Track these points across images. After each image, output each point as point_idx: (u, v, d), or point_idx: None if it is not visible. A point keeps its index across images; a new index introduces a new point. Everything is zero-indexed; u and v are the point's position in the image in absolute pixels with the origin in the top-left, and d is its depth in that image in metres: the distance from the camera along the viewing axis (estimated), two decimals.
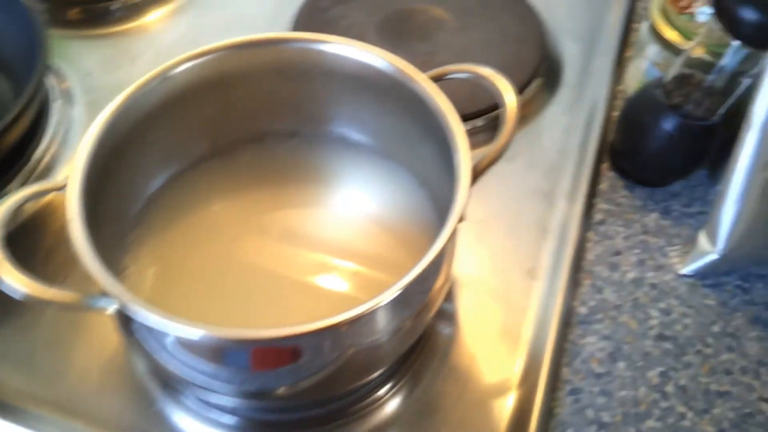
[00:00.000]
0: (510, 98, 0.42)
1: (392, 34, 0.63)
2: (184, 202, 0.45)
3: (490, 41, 0.62)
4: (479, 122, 0.58)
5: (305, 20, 0.64)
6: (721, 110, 0.49)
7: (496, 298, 0.49)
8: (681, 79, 0.50)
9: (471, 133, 0.57)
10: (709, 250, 0.48)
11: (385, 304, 0.33)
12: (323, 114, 0.49)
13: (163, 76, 0.40)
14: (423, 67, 0.58)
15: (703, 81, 0.49)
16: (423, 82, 0.43)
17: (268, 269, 0.43)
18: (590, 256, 0.52)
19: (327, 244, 0.46)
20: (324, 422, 0.43)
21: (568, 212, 0.53)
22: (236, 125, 0.47)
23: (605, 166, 0.57)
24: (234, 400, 0.42)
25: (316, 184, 0.49)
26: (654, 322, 0.48)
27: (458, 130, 0.40)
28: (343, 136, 0.50)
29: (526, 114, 0.60)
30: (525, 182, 0.55)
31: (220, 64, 0.43)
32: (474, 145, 0.54)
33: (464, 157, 0.39)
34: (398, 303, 0.35)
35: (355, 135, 0.50)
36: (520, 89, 0.59)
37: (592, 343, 0.47)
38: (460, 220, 0.38)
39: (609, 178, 0.56)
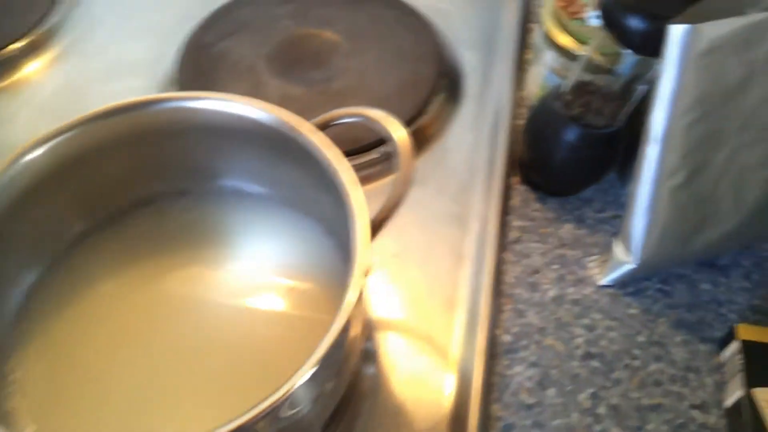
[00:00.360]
0: (403, 142, 0.40)
1: (284, 64, 0.60)
2: (69, 287, 0.42)
3: (386, 60, 0.60)
4: (388, 147, 0.56)
5: (190, 60, 0.60)
6: (622, 116, 0.48)
7: (418, 334, 0.47)
8: (578, 88, 0.48)
9: (378, 162, 0.55)
10: (625, 260, 0.48)
11: (296, 387, 0.31)
12: (213, 169, 0.46)
13: (15, 165, 0.36)
14: (322, 95, 0.56)
15: (601, 88, 0.48)
16: (308, 132, 0.40)
17: (167, 356, 0.40)
18: (509, 278, 0.50)
19: (232, 312, 0.43)
20: None
21: (482, 235, 0.52)
22: (117, 193, 0.44)
23: (516, 179, 0.56)
24: None
25: (215, 243, 0.46)
26: (579, 340, 0.47)
27: (351, 188, 0.37)
28: (238, 189, 0.47)
29: (432, 134, 0.58)
30: (436, 207, 0.54)
31: (84, 138, 0.39)
32: (383, 173, 0.52)
33: (360, 217, 0.36)
34: (310, 379, 0.32)
35: (251, 186, 0.47)
36: (421, 108, 0.57)
37: (519, 373, 0.46)
38: (367, 274, 0.36)
39: (520, 192, 0.55)
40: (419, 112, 0.57)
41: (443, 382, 0.45)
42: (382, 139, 0.55)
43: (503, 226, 0.53)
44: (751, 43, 0.39)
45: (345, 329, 0.33)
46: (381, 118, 0.41)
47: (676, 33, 0.38)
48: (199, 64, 0.59)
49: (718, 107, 0.41)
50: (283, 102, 0.56)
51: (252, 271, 0.45)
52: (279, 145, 0.42)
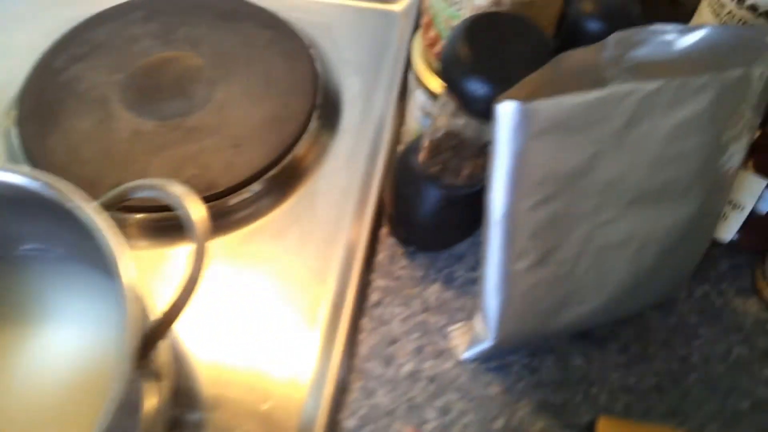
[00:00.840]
0: (200, 225, 0.34)
1: (139, 93, 0.54)
2: None
3: (253, 89, 0.54)
4: (256, 186, 0.51)
5: (34, 88, 0.54)
6: (483, 176, 0.43)
7: (256, 416, 0.43)
8: (436, 146, 0.43)
9: (250, 201, 0.50)
10: (483, 336, 0.43)
11: None
12: (13, 234, 0.41)
13: None
14: (174, 132, 0.51)
15: (461, 144, 0.42)
16: (87, 210, 0.35)
17: None
18: (363, 349, 0.45)
19: (38, 377, 0.39)
20: None
21: (339, 299, 0.47)
22: None
23: (385, 231, 0.50)
24: None
25: (20, 306, 0.41)
26: (430, 426, 0.42)
27: (127, 286, 0.32)
28: (41, 252, 0.42)
29: (300, 175, 0.53)
30: (295, 263, 0.48)
31: None
32: (254, 216, 0.48)
33: (130, 320, 0.31)
34: None
35: (55, 250, 0.42)
36: (289, 147, 0.52)
37: None
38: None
39: (388, 245, 0.50)
40: (286, 151, 0.51)
41: None
42: (254, 175, 0.50)
43: (364, 287, 0.48)
44: (596, 120, 0.34)
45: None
46: (181, 195, 0.35)
47: (506, 111, 0.33)
48: (43, 92, 0.53)
49: (565, 188, 0.36)
50: (132, 139, 0.51)
51: (57, 334, 0.40)
52: (62, 216, 0.36)
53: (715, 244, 0.50)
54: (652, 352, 0.46)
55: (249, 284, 0.47)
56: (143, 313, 0.33)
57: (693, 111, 0.36)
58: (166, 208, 0.47)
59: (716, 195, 0.42)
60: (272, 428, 0.42)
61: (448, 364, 0.45)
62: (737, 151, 0.40)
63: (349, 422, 0.43)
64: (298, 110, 0.53)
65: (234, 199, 0.50)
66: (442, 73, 0.37)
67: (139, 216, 0.49)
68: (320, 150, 0.54)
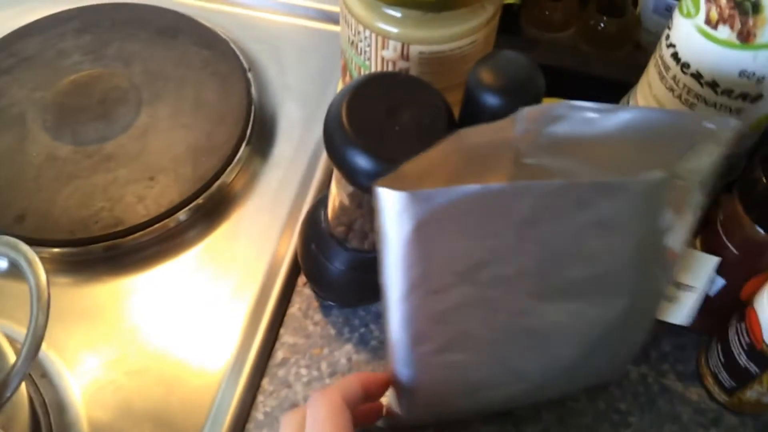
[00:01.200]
0: (42, 292, 0.31)
1: (61, 113, 0.51)
2: None
3: (181, 114, 0.51)
4: (171, 222, 0.47)
5: None
6: None
7: None
8: (342, 207, 0.39)
9: (167, 236, 0.47)
10: (396, 410, 0.39)
11: None
12: None
13: None
14: (90, 159, 0.49)
15: (362, 211, 0.39)
16: None
17: None
18: (258, 414, 0.42)
19: None
20: None
21: (241, 355, 0.43)
22: None
23: (302, 280, 0.47)
24: None
25: None
26: None
27: None
28: None
29: (226, 206, 0.49)
30: (205, 308, 0.45)
31: None
32: (169, 250, 0.47)
33: None
34: None
35: None
36: (212, 179, 0.48)
37: None
38: None
39: (305, 297, 0.46)
40: (205, 187, 0.48)
41: None
42: (164, 213, 0.47)
43: (272, 343, 0.45)
44: (491, 214, 0.30)
45: None
46: (30, 260, 0.32)
47: (387, 197, 0.29)
48: None
49: (464, 278, 0.31)
50: (45, 164, 0.48)
51: None
52: None
53: (660, 322, 0.46)
54: None
55: (154, 325, 0.44)
56: None
57: (606, 213, 0.32)
58: (87, 241, 0.45)
59: (656, 279, 0.38)
60: None
61: None
62: (679, 232, 0.36)
63: None
64: (226, 140, 0.50)
65: (147, 236, 0.47)
66: (325, 142, 0.33)
67: (56, 250, 0.46)
68: (249, 181, 0.50)
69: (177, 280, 0.46)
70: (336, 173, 0.37)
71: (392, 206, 0.29)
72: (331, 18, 0.59)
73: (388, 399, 0.40)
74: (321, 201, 0.41)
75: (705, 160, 0.33)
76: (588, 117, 0.33)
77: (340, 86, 0.45)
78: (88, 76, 0.52)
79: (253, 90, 0.53)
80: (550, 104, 0.32)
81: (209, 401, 0.42)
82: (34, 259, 0.32)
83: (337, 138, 0.32)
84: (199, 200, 0.48)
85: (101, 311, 0.45)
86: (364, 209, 0.39)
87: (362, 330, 0.45)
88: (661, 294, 0.39)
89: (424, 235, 0.30)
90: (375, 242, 0.39)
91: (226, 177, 0.49)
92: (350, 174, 0.33)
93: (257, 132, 0.52)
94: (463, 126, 0.33)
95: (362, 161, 0.32)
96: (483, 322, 0.34)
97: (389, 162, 0.32)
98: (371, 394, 0.35)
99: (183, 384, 0.42)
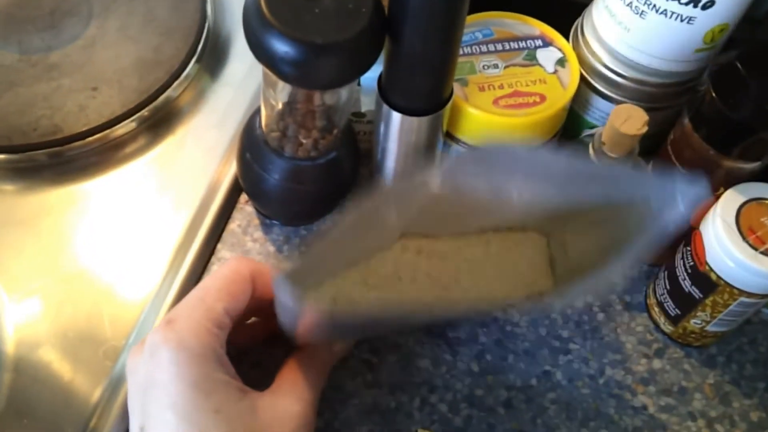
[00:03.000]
0: None
1: (8, 23, 0.49)
2: None
3: (131, 28, 0.50)
4: (124, 127, 0.46)
5: None
6: (328, 148, 0.38)
7: (64, 377, 0.39)
8: (280, 113, 0.38)
9: (110, 146, 0.46)
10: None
11: None
12: None
13: None
14: (34, 67, 0.48)
15: (294, 115, 0.37)
16: None
17: None
18: None
19: None
20: None
21: (175, 265, 0.42)
22: None
23: (245, 197, 0.46)
24: None
25: None
26: None
27: None
28: None
29: (171, 122, 0.48)
30: (139, 222, 0.44)
31: None
32: (112, 161, 0.46)
33: None
34: None
35: None
36: (157, 93, 0.47)
37: None
38: None
39: (246, 214, 0.45)
40: (149, 100, 0.47)
41: None
42: (104, 124, 0.45)
43: (208, 256, 0.43)
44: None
45: None
46: None
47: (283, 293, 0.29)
48: None
49: None
50: None
51: None
52: None
53: None
54: (510, 363, 0.41)
55: (91, 234, 0.43)
56: None
57: None
58: (26, 147, 0.44)
59: None
60: (76, 394, 0.38)
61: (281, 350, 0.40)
62: None
63: None
64: (174, 54, 0.48)
65: (88, 145, 0.45)
66: (243, 23, 0.32)
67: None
68: (197, 98, 0.49)
69: (119, 190, 0.45)
70: (264, 73, 0.36)
71: (287, 299, 0.29)
72: None
73: None
74: (257, 111, 0.40)
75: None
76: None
77: None
78: None
79: (209, 8, 0.51)
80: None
81: (138, 312, 0.41)
82: None
83: (254, 22, 0.31)
84: (144, 112, 0.46)
85: (42, 218, 0.44)
86: (297, 114, 0.38)
87: (303, 248, 0.44)
88: None
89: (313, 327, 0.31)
90: (310, 150, 0.38)
91: (173, 91, 0.48)
92: (269, 61, 0.31)
93: (209, 50, 0.51)
94: (392, 18, 0.32)
95: (280, 45, 0.30)
96: None
97: (307, 45, 0.31)
98: (260, 287, 0.33)
99: (114, 293, 0.41)
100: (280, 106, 0.37)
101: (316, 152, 0.38)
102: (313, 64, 0.31)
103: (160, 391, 0.28)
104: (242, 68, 0.51)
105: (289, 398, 0.32)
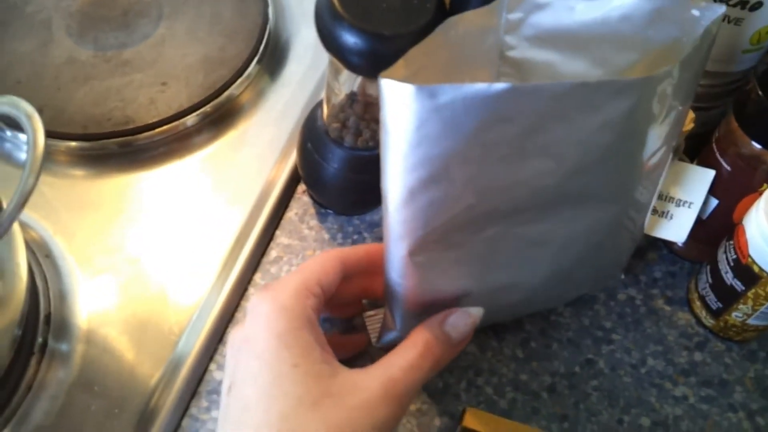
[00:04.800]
0: (39, 145, 0.33)
1: (84, 22, 0.53)
2: None
3: (198, 29, 0.53)
4: (190, 121, 0.49)
5: None
6: None
7: (130, 350, 0.41)
8: (338, 105, 0.40)
9: (173, 139, 0.49)
10: (392, 327, 0.39)
11: None
12: None
13: None
14: (108, 63, 0.51)
15: (356, 107, 0.40)
16: None
17: None
18: (248, 303, 0.43)
19: None
20: None
21: (236, 249, 0.45)
22: None
23: (302, 188, 0.48)
24: None
25: None
26: None
27: None
28: None
29: (232, 118, 0.51)
30: (207, 206, 0.47)
31: None
32: (175, 153, 0.49)
33: None
34: None
35: None
36: (221, 89, 0.50)
37: (215, 421, 0.39)
38: None
39: (303, 203, 0.48)
40: (213, 96, 0.50)
41: (135, 408, 0.39)
42: (173, 116, 0.48)
43: (267, 242, 0.46)
44: (494, 118, 0.28)
45: None
46: (29, 115, 0.34)
47: (390, 89, 0.27)
48: None
49: (459, 188, 0.30)
50: (65, 65, 0.51)
51: None
52: None
53: (654, 248, 0.46)
54: (555, 350, 0.42)
55: (157, 219, 0.46)
56: None
57: (611, 115, 0.29)
58: (100, 136, 0.47)
59: (642, 190, 0.38)
60: (141, 366, 0.41)
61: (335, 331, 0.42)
62: (661, 142, 0.35)
63: (216, 374, 0.41)
64: (237, 54, 0.51)
65: (156, 136, 0.48)
66: (315, 18, 0.34)
67: (72, 144, 0.48)
68: (257, 96, 0.52)
69: (182, 180, 0.48)
70: (330, 65, 0.38)
71: (397, 99, 0.27)
72: None
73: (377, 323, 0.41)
74: (320, 102, 0.42)
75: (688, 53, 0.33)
76: (571, 5, 0.33)
77: None
78: None
79: (270, 11, 0.54)
80: None
81: (202, 291, 0.43)
82: (33, 115, 0.33)
83: (326, 14, 0.33)
84: (207, 108, 0.49)
85: (108, 204, 0.47)
86: (358, 106, 0.40)
87: (355, 237, 0.46)
88: (646, 203, 0.39)
89: (428, 134, 0.28)
90: (368, 140, 0.40)
91: (235, 89, 0.51)
92: (339, 51, 0.34)
93: (270, 52, 0.53)
94: (454, 12, 0.34)
95: (349, 36, 0.33)
96: (480, 232, 0.33)
97: (374, 36, 0.33)
98: (349, 268, 0.35)
99: (178, 276, 0.44)
100: (342, 97, 0.40)
101: (374, 143, 0.41)
102: (379, 54, 0.34)
103: (251, 344, 0.31)
104: (300, 69, 0.53)
105: (373, 377, 0.31)
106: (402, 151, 0.29)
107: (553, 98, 0.28)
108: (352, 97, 0.40)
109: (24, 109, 0.34)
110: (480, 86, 0.27)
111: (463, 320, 0.34)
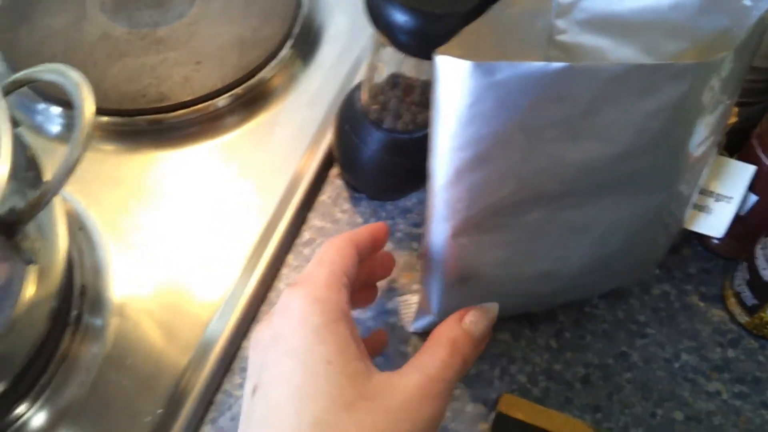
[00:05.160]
0: (88, 113, 0.33)
1: (127, 2, 0.53)
2: None
3: (231, 10, 0.52)
4: (212, 105, 0.49)
5: None
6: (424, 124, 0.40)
7: (162, 326, 0.41)
8: (378, 87, 0.40)
9: (206, 118, 0.49)
10: (428, 311, 0.39)
11: None
12: None
13: None
14: (142, 40, 0.51)
15: (396, 89, 0.39)
16: None
17: None
18: (281, 285, 0.43)
19: None
20: None
21: (269, 230, 0.44)
22: None
23: (335, 171, 0.48)
24: None
25: None
26: None
27: None
28: None
29: (265, 100, 0.51)
30: (240, 184, 0.47)
31: None
32: (208, 133, 0.49)
33: None
34: None
35: None
36: (254, 70, 0.50)
37: None
38: None
39: (335, 187, 0.47)
40: (247, 76, 0.49)
41: (165, 387, 0.39)
42: (208, 95, 0.48)
43: (299, 223, 0.46)
44: (550, 97, 0.28)
45: None
46: (78, 83, 0.33)
47: (447, 67, 0.27)
48: None
49: (508, 170, 0.30)
50: (99, 42, 0.50)
51: None
52: None
53: (689, 245, 0.45)
54: (588, 342, 0.42)
55: (188, 198, 0.46)
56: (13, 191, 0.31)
57: (665, 100, 0.29)
58: (133, 112, 0.47)
59: (685, 182, 0.37)
60: (173, 343, 0.40)
61: (366, 314, 0.42)
62: (707, 133, 0.35)
63: (248, 353, 0.40)
64: (271, 36, 0.51)
65: (189, 115, 0.48)
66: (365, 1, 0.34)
67: (105, 119, 0.48)
68: (289, 80, 0.52)
69: (212, 160, 0.48)
70: (374, 45, 0.38)
71: (452, 76, 0.27)
72: None
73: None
74: (359, 85, 0.42)
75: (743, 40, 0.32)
76: None
77: None
78: None
79: None
80: None
81: (235, 271, 0.43)
82: (82, 84, 0.33)
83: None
84: (239, 90, 0.49)
85: (139, 180, 0.46)
86: (399, 88, 0.40)
87: (388, 222, 0.46)
88: (688, 196, 0.39)
89: (480, 112, 0.28)
90: (409, 123, 0.40)
91: (268, 72, 0.51)
92: (388, 29, 0.34)
93: (303, 35, 0.53)
94: None
95: (400, 14, 0.33)
96: (527, 215, 0.33)
97: (425, 14, 0.33)
98: (361, 252, 0.34)
99: (210, 254, 0.43)
100: (383, 79, 0.39)
101: (413, 126, 0.41)
102: (430, 33, 0.33)
103: (282, 340, 0.29)
104: (333, 54, 0.53)
105: (408, 377, 0.30)
106: (452, 130, 0.29)
107: (609, 80, 0.28)
108: (394, 79, 0.39)
109: (72, 77, 0.33)
110: (537, 64, 0.27)
111: (481, 316, 0.33)
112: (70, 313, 0.39)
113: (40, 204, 0.32)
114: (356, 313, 0.42)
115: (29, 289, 0.35)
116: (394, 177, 0.44)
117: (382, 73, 0.39)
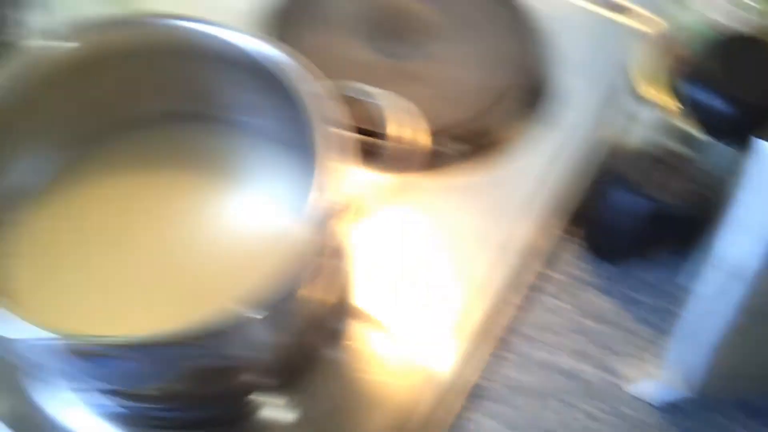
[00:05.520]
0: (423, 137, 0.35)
1: (371, 29, 0.56)
2: (76, 184, 0.42)
3: (469, 54, 0.55)
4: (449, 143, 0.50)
5: (285, 14, 0.57)
6: (684, 197, 0.41)
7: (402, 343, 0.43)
8: (661, 160, 0.41)
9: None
10: (674, 385, 0.39)
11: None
12: (225, 99, 0.43)
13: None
14: (391, 71, 0.53)
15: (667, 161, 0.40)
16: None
17: (150, 257, 0.40)
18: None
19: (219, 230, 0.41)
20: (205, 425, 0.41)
21: (516, 268, 0.46)
22: (127, 105, 0.43)
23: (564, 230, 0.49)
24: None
25: (215, 172, 0.43)
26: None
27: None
28: (248, 124, 0.44)
29: (493, 148, 0.52)
30: (471, 225, 0.48)
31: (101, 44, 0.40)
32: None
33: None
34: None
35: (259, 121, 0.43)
36: (485, 118, 0.52)
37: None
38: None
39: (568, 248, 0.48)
40: (481, 124, 0.52)
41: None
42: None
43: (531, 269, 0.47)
44: None
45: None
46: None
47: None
48: (294, 7, 0.57)
49: None
50: (353, 66, 0.53)
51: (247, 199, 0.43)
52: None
53: None
54: None
55: (421, 236, 0.48)
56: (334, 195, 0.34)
57: None
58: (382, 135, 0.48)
59: None
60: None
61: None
62: None
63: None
64: (508, 90, 0.53)
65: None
66: (684, 86, 0.35)
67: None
68: (519, 132, 0.53)
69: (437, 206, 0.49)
70: (664, 119, 0.39)
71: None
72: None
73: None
74: (615, 147, 0.43)
75: None
76: None
77: (648, 57, 0.46)
78: (397, 5, 0.57)
79: (545, 52, 0.56)
80: None
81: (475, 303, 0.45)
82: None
83: (698, 86, 0.34)
84: (469, 134, 0.51)
85: None
86: (667, 164, 0.40)
87: (631, 295, 0.46)
88: None
89: None
90: (675, 194, 0.40)
91: (498, 123, 0.52)
92: (708, 119, 0.34)
93: (542, 93, 0.55)
94: None
95: (724, 106, 0.33)
96: None
97: (751, 111, 0.33)
98: None
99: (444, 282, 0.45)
100: (643, 146, 0.40)
101: (677, 199, 0.41)
102: (746, 123, 0.34)
103: None
104: (572, 114, 0.54)
105: None
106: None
107: None
108: (657, 149, 0.40)
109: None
110: None
111: None
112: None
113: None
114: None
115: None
116: (624, 238, 0.45)
117: (637, 139, 0.40)
